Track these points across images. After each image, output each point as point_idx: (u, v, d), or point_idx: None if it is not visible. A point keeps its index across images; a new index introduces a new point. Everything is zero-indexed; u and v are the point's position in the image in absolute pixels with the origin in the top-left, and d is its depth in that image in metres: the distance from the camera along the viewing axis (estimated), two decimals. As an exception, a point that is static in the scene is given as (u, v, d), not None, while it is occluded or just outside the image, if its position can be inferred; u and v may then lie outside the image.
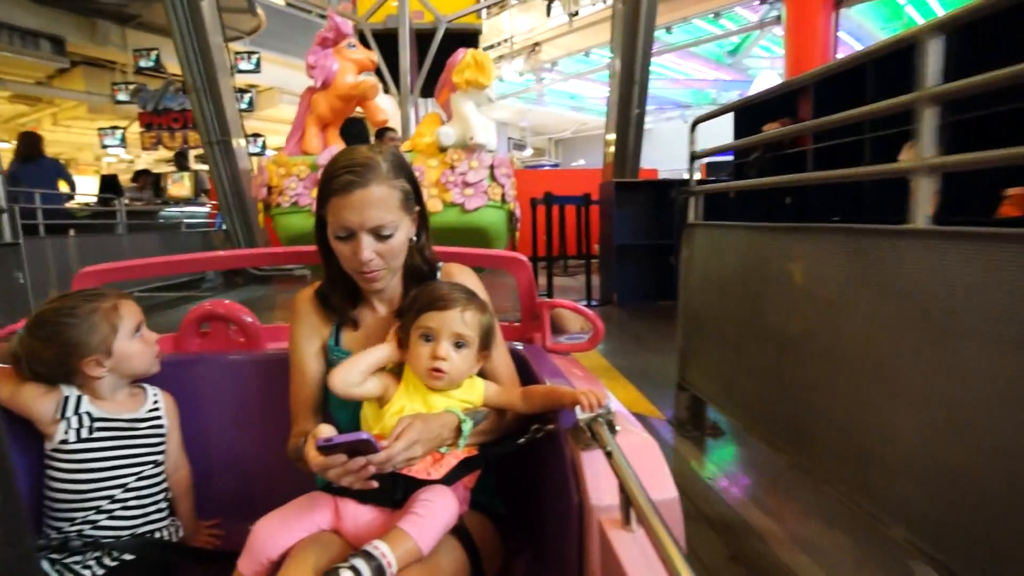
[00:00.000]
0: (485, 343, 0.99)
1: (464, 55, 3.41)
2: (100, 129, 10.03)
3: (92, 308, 1.03)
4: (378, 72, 5.77)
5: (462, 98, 3.46)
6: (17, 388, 1.02)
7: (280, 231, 3.69)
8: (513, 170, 3.62)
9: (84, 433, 1.02)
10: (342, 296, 1.06)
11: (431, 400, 0.96)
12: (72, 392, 1.04)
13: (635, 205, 5.14)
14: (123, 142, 10.05)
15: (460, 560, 0.89)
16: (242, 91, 8.42)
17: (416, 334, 0.95)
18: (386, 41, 6.45)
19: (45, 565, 0.96)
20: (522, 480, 1.11)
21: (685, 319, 2.34)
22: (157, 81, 9.16)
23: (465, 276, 1.11)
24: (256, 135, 8.89)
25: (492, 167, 3.43)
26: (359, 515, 0.91)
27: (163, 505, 1.10)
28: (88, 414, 1.03)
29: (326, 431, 0.84)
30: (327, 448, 0.79)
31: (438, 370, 0.93)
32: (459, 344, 0.95)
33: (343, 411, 1.04)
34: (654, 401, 2.68)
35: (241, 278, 7.18)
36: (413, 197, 1.00)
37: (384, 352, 0.97)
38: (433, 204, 3.28)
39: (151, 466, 1.08)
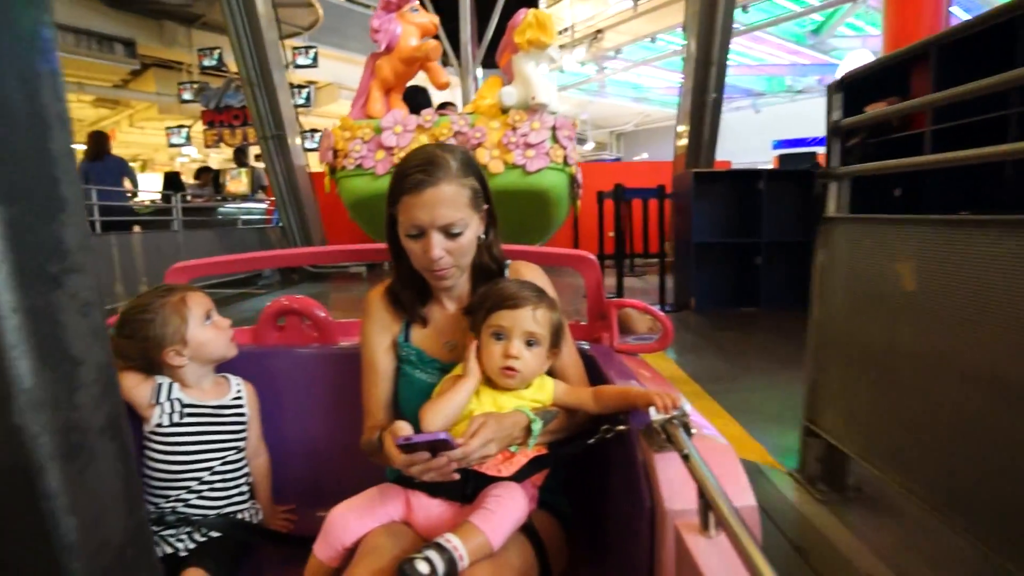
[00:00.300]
0: (555, 341, 0.99)
1: (526, 14, 3.41)
2: (167, 128, 10.32)
3: (163, 303, 1.11)
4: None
5: (524, 59, 3.42)
6: (119, 375, 1.01)
7: (344, 194, 3.77)
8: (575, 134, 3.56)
9: (176, 418, 1.11)
10: (412, 293, 1.07)
11: (501, 400, 0.96)
12: (165, 380, 1.13)
13: (716, 198, 4.52)
14: (188, 140, 10.26)
15: (528, 557, 0.89)
16: (300, 87, 8.40)
17: (487, 332, 0.96)
18: (446, 10, 6.18)
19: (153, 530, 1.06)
20: (588, 480, 1.10)
21: (819, 343, 1.78)
22: (220, 80, 9.49)
23: (534, 274, 1.11)
24: (314, 131, 8.80)
25: (554, 128, 3.34)
26: (430, 508, 0.93)
27: (245, 489, 1.17)
28: (179, 400, 1.12)
29: (404, 429, 0.87)
30: (407, 447, 0.81)
31: (510, 368, 0.94)
32: (530, 342, 0.95)
33: (412, 406, 1.01)
34: (762, 441, 2.11)
35: (297, 275, 7.17)
36: (482, 195, 1.00)
37: (472, 384, 0.94)
38: (494, 166, 3.25)
39: (234, 452, 1.16)
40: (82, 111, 13.24)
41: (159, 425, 1.10)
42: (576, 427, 1.01)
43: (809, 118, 14.47)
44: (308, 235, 6.84)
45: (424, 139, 3.00)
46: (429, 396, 0.99)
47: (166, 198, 6.72)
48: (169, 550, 1.05)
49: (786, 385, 2.40)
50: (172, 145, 10.31)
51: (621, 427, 0.94)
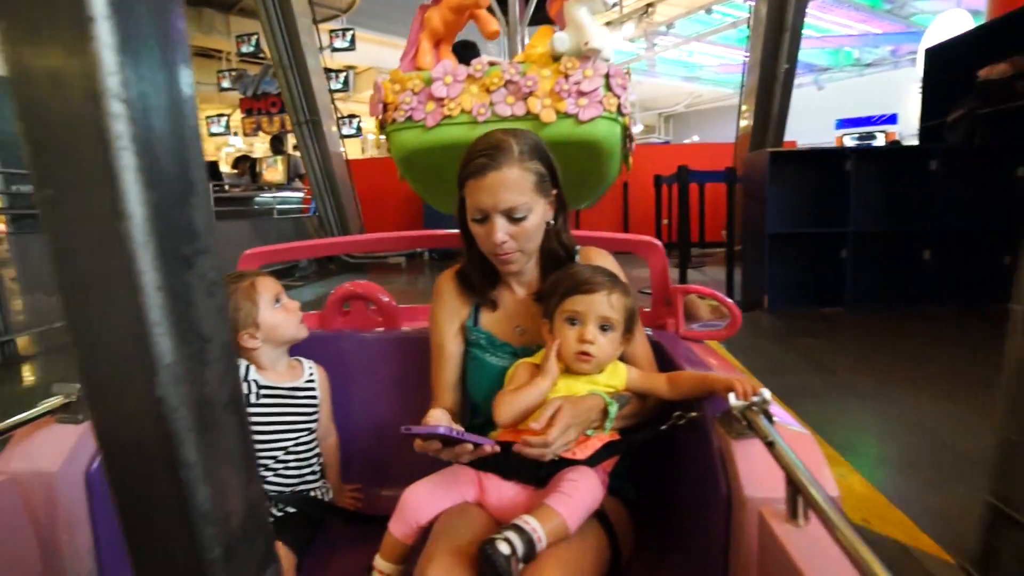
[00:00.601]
0: (628, 327, 0.98)
1: (576, -42, 3.34)
2: (207, 117, 10.08)
3: (234, 288, 1.15)
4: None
5: (575, 4, 3.21)
6: None
7: (394, 149, 3.63)
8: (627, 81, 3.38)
9: (252, 399, 1.15)
10: (481, 277, 1.08)
11: (575, 385, 0.96)
12: (243, 362, 1.17)
13: (794, 182, 3.93)
14: (227, 129, 10.07)
15: (601, 541, 0.90)
16: (337, 72, 8.23)
17: (561, 318, 0.96)
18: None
19: None
20: (654, 467, 1.10)
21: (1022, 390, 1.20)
22: (258, 67, 9.48)
23: (604, 260, 1.10)
24: (352, 116, 8.68)
25: (608, 76, 3.18)
26: (503, 490, 0.94)
27: (316, 468, 1.21)
28: (255, 382, 1.16)
29: (434, 417, 0.95)
30: (408, 436, 0.85)
31: (586, 353, 0.94)
32: (605, 327, 0.95)
33: (482, 389, 1.05)
34: (896, 502, 1.50)
35: (335, 265, 7.16)
36: (549, 180, 1.00)
37: (549, 383, 0.94)
38: (546, 115, 3.16)
39: (307, 433, 1.20)
40: None
41: None
42: (646, 413, 1.01)
43: (878, 95, 12.99)
44: (345, 224, 6.68)
45: (475, 89, 2.98)
46: (500, 380, 1.01)
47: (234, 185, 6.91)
48: None
49: (901, 415, 2.00)
50: (212, 135, 10.11)
51: (693, 413, 0.95)
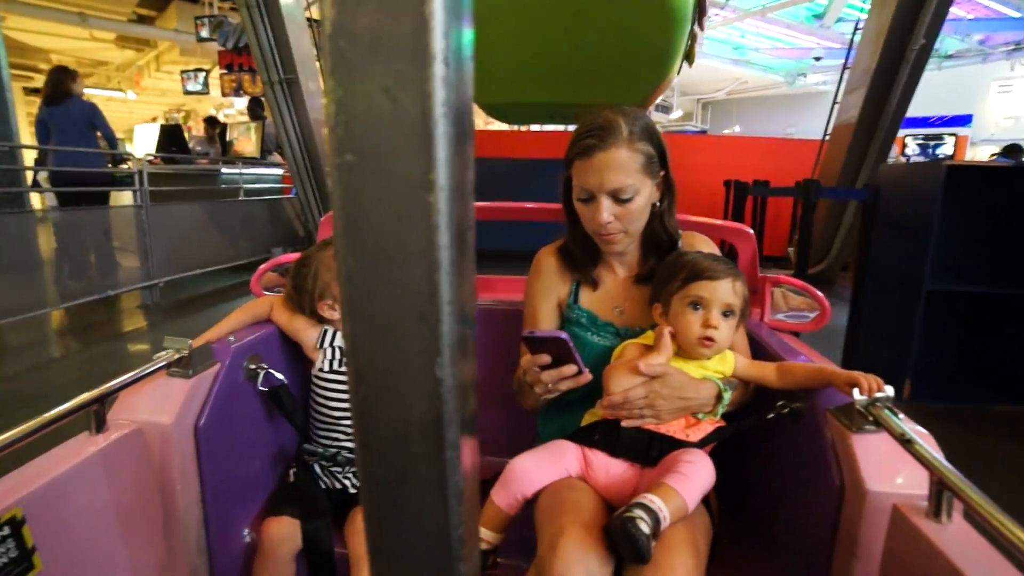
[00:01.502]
0: (743, 314, 0.99)
1: None
2: (183, 72, 8.25)
3: (319, 258, 1.15)
4: None
5: None
6: (292, 316, 1.21)
7: None
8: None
9: (335, 365, 1.15)
10: (583, 255, 1.09)
11: (686, 368, 0.97)
12: (330, 328, 1.18)
13: (971, 215, 2.60)
14: (206, 86, 8.18)
15: (706, 521, 0.91)
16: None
17: (683, 302, 0.96)
18: None
19: (317, 469, 1.15)
20: (741, 453, 1.10)
21: None
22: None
23: (708, 247, 1.10)
24: None
25: None
26: (610, 467, 0.94)
27: None
28: (339, 348, 1.15)
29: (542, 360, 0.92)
30: (530, 340, 0.89)
31: (709, 339, 0.94)
32: (726, 314, 0.96)
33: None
34: None
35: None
36: (658, 162, 0.99)
37: (663, 359, 0.95)
38: None
39: None
40: (106, 52, 10.79)
41: (321, 370, 1.15)
42: (745, 401, 1.02)
43: (950, 92, 10.49)
44: (328, 206, 5.11)
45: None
46: (602, 359, 1.01)
47: (168, 159, 5.51)
48: (338, 486, 1.13)
49: None
50: (188, 92, 8.27)
51: (797, 404, 0.96)
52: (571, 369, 0.89)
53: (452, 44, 0.27)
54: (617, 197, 0.96)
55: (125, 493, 0.86)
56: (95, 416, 0.83)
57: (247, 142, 6.26)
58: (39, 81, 11.81)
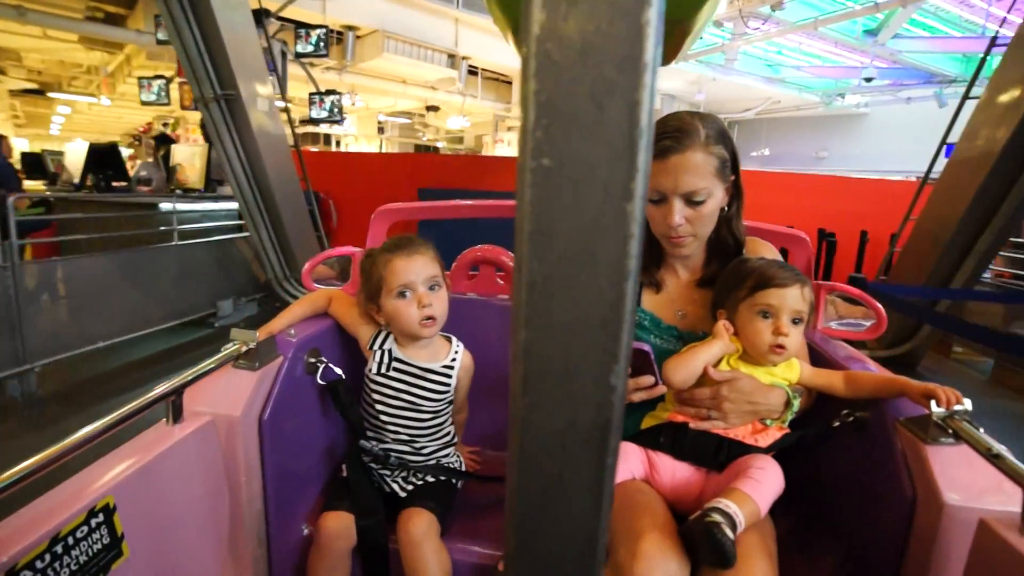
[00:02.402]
0: (808, 321, 0.99)
1: None
2: (140, 79, 6.64)
3: (376, 259, 1.12)
4: None
5: None
6: (349, 310, 1.21)
7: None
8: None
9: (383, 368, 1.14)
10: (648, 256, 1.08)
11: (755, 375, 0.97)
12: (385, 329, 1.15)
13: None
14: (165, 96, 6.45)
15: (772, 527, 0.91)
16: (308, 29, 5.53)
17: (753, 310, 0.96)
18: None
19: (373, 467, 1.15)
20: (801, 461, 1.08)
21: None
22: None
23: (771, 253, 1.10)
24: (330, 92, 6.05)
25: None
26: (676, 470, 0.95)
27: (450, 438, 1.21)
28: (389, 352, 1.14)
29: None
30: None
31: (781, 346, 0.94)
32: (796, 321, 0.96)
33: None
34: None
35: (280, 304, 4.34)
36: (730, 166, 0.99)
37: (719, 348, 0.96)
38: None
39: (435, 415, 1.16)
40: (72, 53, 9.35)
41: (370, 371, 1.15)
42: (807, 408, 1.02)
43: None
44: (288, 249, 4.16)
45: None
46: (663, 362, 1.00)
47: (90, 186, 4.43)
48: (388, 490, 1.13)
49: None
50: (145, 103, 6.61)
51: (863, 412, 0.96)
52: (648, 380, 0.90)
53: (659, 53, 0.27)
54: (690, 199, 0.96)
55: (197, 484, 0.88)
56: (172, 407, 0.85)
57: (191, 169, 4.88)
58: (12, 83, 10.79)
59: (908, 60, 9.11)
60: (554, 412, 0.33)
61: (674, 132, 0.95)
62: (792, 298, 0.94)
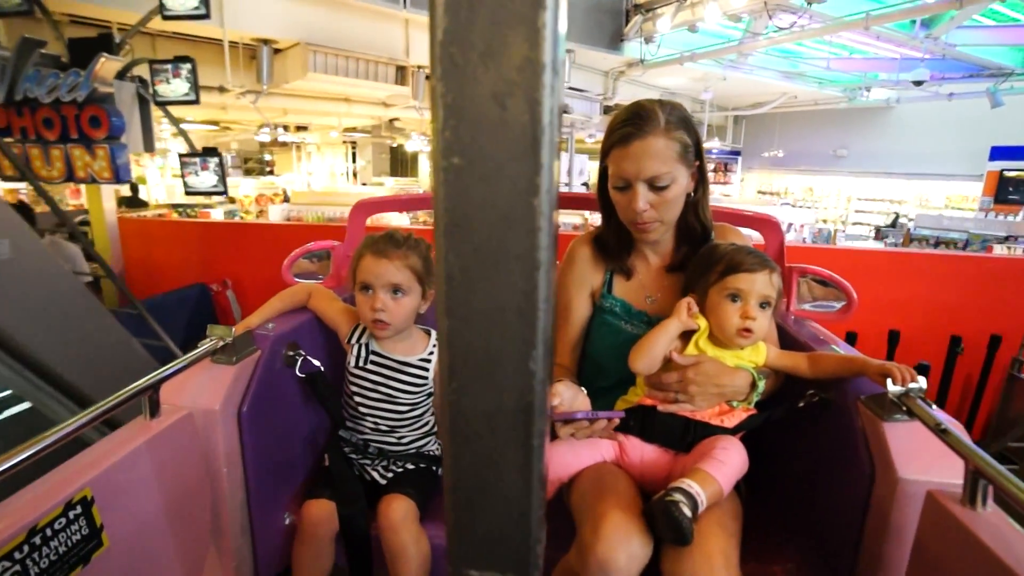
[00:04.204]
0: (776, 305, 1.00)
1: None
2: None
3: (360, 248, 1.13)
4: None
5: None
6: (330, 304, 1.23)
7: None
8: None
9: (361, 362, 1.16)
10: (617, 244, 1.10)
11: (722, 358, 0.99)
12: (361, 324, 1.17)
13: None
14: None
15: (738, 506, 0.94)
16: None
17: (722, 294, 0.98)
18: None
19: (353, 457, 1.18)
20: (767, 440, 1.09)
21: None
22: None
23: (740, 239, 1.12)
24: (209, 152, 3.63)
25: None
26: (645, 452, 0.97)
27: (430, 427, 1.22)
28: (366, 345, 1.16)
29: (566, 398, 0.89)
30: (562, 422, 0.88)
31: (748, 330, 0.96)
32: (763, 305, 0.98)
33: (612, 355, 1.07)
34: None
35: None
36: (693, 151, 1.00)
37: (675, 327, 0.98)
38: None
39: (413, 408, 1.17)
40: None
41: (349, 364, 1.16)
42: (775, 390, 1.04)
43: None
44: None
45: None
46: (627, 348, 1.02)
47: None
48: (368, 478, 1.15)
49: None
50: None
51: (827, 393, 0.99)
52: (600, 424, 0.87)
53: (558, 55, 0.28)
54: (653, 185, 0.97)
55: (177, 476, 0.89)
56: (149, 402, 0.86)
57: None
58: None
59: (959, 52, 6.76)
60: (480, 397, 0.34)
61: (634, 119, 0.96)
62: (760, 283, 0.96)
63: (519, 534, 0.37)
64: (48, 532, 0.67)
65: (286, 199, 8.78)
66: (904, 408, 0.83)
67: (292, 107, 7.54)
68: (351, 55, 5.48)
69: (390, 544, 1.02)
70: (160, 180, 10.60)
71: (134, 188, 6.70)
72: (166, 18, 3.13)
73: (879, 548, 0.83)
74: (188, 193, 3.62)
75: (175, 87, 3.41)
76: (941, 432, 0.74)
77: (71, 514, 0.69)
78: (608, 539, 0.77)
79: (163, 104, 3.43)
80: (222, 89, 5.28)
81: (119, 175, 3.25)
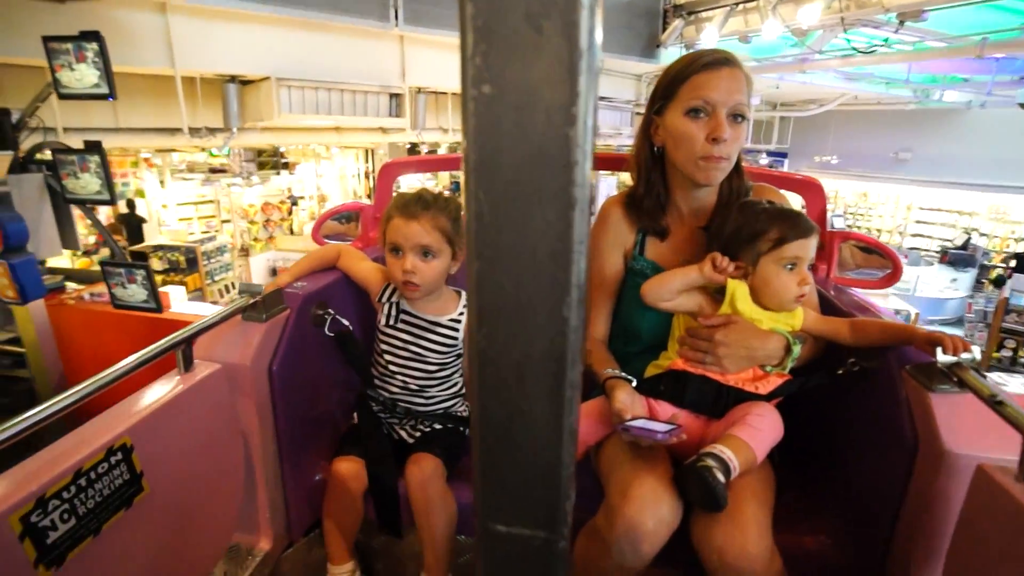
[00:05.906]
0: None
1: None
2: None
3: (391, 206, 1.12)
4: None
5: None
6: (359, 264, 1.23)
7: None
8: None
9: (392, 320, 1.17)
10: (652, 203, 1.06)
11: (759, 321, 0.96)
12: (392, 283, 1.17)
13: None
14: None
15: (771, 473, 0.92)
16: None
17: (778, 263, 0.94)
18: None
19: (382, 416, 1.19)
20: (806, 408, 1.07)
21: None
22: None
23: (779, 197, 1.07)
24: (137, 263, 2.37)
25: None
26: (676, 418, 0.93)
27: (459, 387, 1.23)
28: (397, 304, 1.17)
29: (633, 407, 0.89)
30: (625, 431, 0.86)
31: (803, 295, 0.94)
32: (810, 267, 0.96)
33: (644, 320, 1.05)
34: None
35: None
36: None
37: (694, 276, 0.95)
38: None
39: (439, 368, 1.18)
40: None
41: (379, 323, 1.17)
42: (815, 357, 1.00)
43: None
44: None
45: None
46: (664, 313, 1.00)
47: None
48: (396, 437, 1.17)
49: None
50: None
51: (870, 361, 0.94)
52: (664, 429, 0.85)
53: (599, -31, 0.26)
54: (736, 115, 0.94)
55: (211, 429, 0.92)
56: (183, 355, 0.88)
57: None
58: None
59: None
60: (510, 344, 0.33)
61: (720, 53, 0.94)
62: (812, 247, 0.94)
63: (548, 489, 0.36)
64: (92, 475, 0.69)
65: (294, 204, 8.27)
66: (955, 379, 0.80)
67: (272, 141, 6.61)
68: (334, 87, 4.33)
69: (417, 501, 1.04)
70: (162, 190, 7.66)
71: (131, 204, 6.22)
72: (63, 97, 2.26)
73: (919, 522, 0.80)
74: (116, 306, 2.50)
75: (85, 182, 2.38)
76: (996, 404, 0.70)
77: (112, 459, 0.72)
78: (637, 502, 0.76)
79: (74, 203, 2.45)
80: (187, 130, 3.99)
81: (26, 293, 2.27)
